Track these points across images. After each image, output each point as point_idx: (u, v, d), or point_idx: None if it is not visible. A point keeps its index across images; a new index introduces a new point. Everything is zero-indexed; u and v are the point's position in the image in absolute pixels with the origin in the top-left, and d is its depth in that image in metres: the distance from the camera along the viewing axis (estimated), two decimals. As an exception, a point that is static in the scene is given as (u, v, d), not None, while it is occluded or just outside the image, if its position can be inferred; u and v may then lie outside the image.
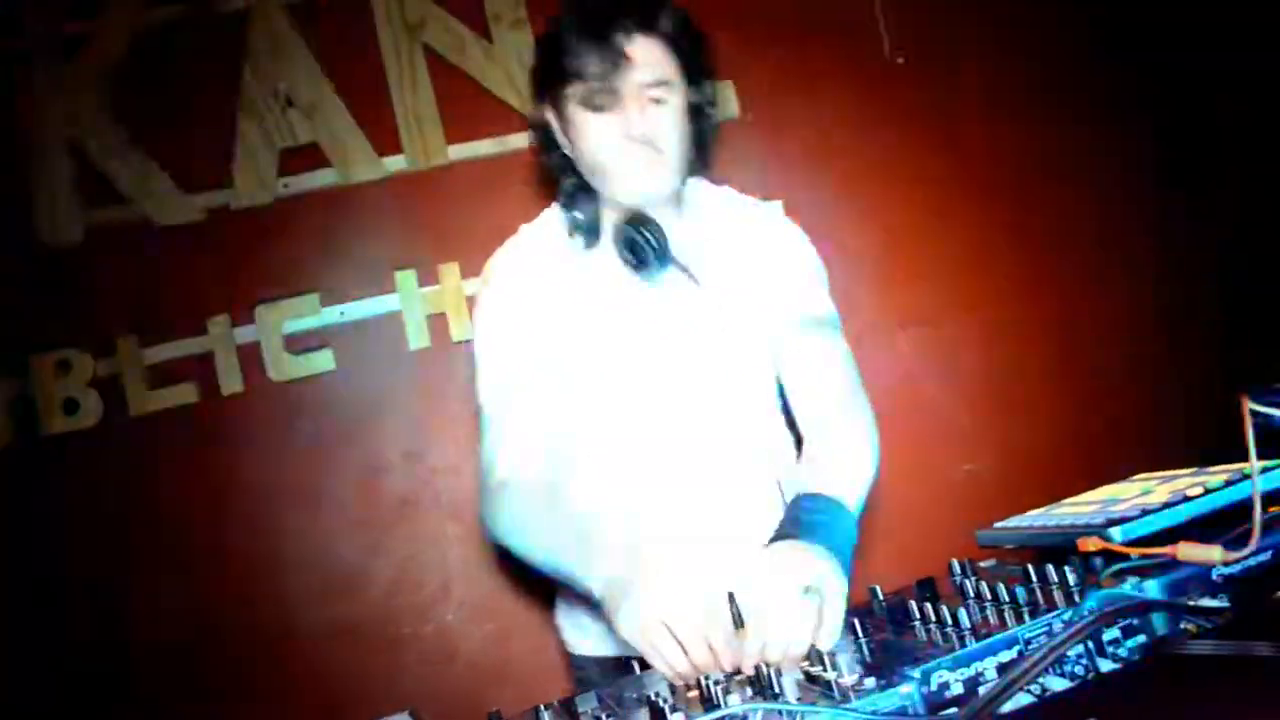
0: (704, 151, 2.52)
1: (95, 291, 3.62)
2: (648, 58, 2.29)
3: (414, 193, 3.78)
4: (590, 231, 2.47)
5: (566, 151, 2.45)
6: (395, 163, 3.77)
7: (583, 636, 2.63)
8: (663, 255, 2.36)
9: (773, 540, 1.96)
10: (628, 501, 2.46)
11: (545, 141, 2.50)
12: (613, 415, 2.47)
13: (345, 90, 3.76)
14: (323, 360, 3.68)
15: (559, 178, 2.52)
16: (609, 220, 2.45)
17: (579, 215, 2.48)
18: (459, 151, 3.78)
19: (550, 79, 2.38)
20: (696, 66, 2.41)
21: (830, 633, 1.72)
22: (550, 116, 2.44)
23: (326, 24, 3.79)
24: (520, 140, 3.72)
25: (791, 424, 2.52)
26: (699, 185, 2.58)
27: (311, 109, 3.74)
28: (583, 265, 2.49)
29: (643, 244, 2.34)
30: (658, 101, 2.31)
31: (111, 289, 3.62)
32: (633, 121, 2.28)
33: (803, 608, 1.73)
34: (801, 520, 2.01)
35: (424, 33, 3.80)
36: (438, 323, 3.69)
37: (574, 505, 2.48)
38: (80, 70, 3.67)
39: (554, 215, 2.58)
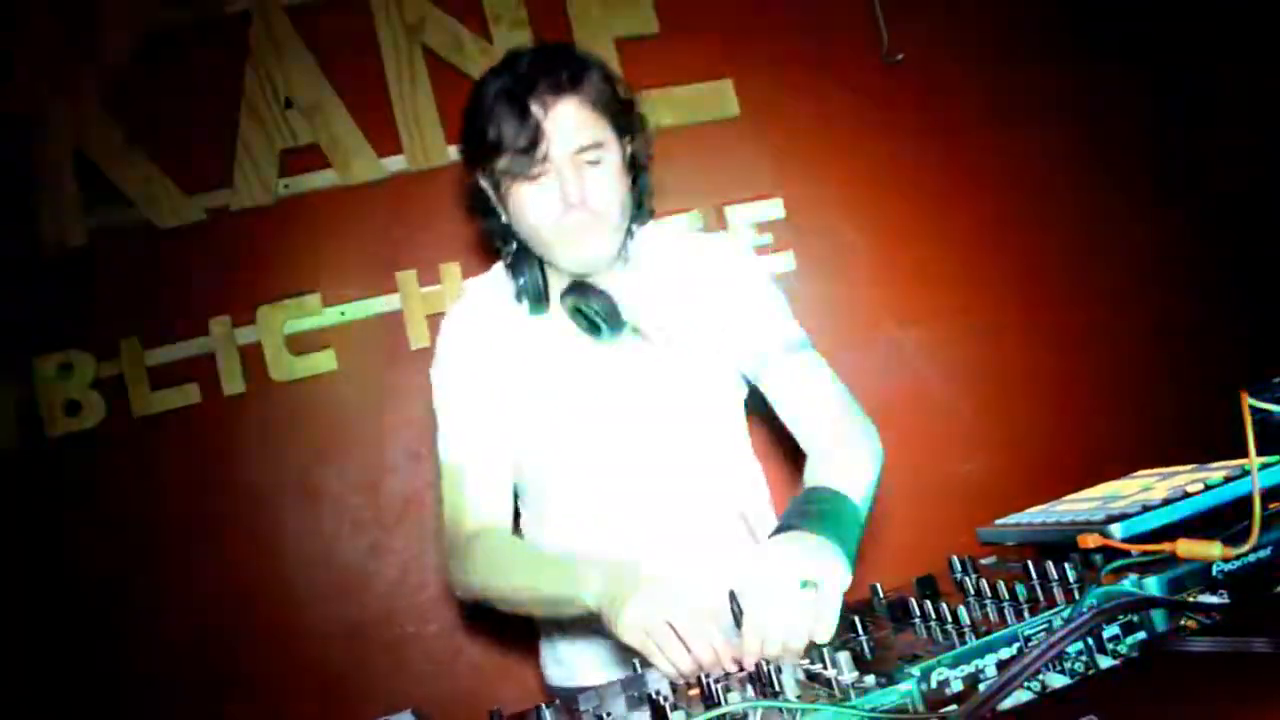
0: (644, 202, 2.50)
1: (98, 293, 3.62)
2: (578, 121, 2.25)
3: (414, 193, 3.78)
4: (537, 298, 2.45)
5: (504, 220, 2.41)
6: (395, 163, 3.78)
7: (560, 670, 2.63)
8: (613, 324, 2.35)
9: (776, 531, 1.95)
10: (594, 548, 2.45)
11: (483, 209, 2.47)
12: (574, 465, 2.48)
13: (345, 91, 3.76)
14: (324, 360, 3.68)
15: (500, 245, 2.50)
16: (555, 283, 2.44)
17: (525, 283, 2.45)
18: (458, 152, 3.77)
19: (479, 151, 2.33)
20: (627, 119, 2.38)
21: (827, 626, 1.71)
22: (485, 184, 2.41)
23: (326, 25, 3.79)
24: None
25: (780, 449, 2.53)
26: (647, 231, 2.54)
27: (312, 110, 3.74)
28: (537, 323, 2.48)
29: (591, 316, 2.34)
30: (592, 163, 2.27)
31: (114, 291, 3.63)
32: (569, 190, 2.24)
33: (800, 601, 1.73)
34: (805, 510, 1.99)
35: (423, 33, 3.80)
36: (439, 322, 3.66)
37: (547, 545, 2.52)
38: (82, 73, 3.67)
39: (503, 270, 2.56)
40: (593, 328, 2.36)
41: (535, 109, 2.21)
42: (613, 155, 2.32)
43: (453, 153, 3.76)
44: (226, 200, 3.70)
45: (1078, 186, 4.14)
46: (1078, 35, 4.21)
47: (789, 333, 2.47)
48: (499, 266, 2.55)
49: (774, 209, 3.86)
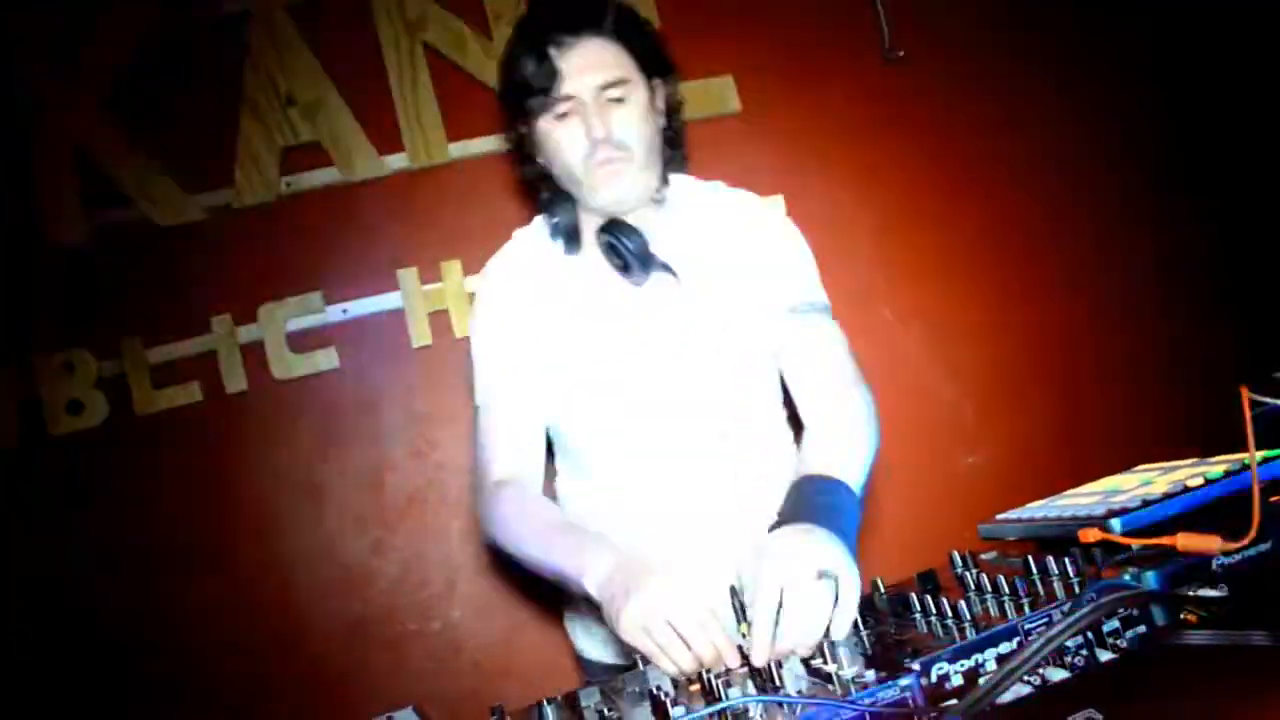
0: (678, 146, 2.52)
1: (100, 292, 3.63)
2: (599, 59, 2.29)
3: (415, 190, 3.78)
4: (571, 238, 2.49)
5: (541, 162, 2.45)
6: (397, 160, 3.78)
7: (592, 641, 2.64)
8: (644, 259, 2.36)
9: (778, 524, 1.92)
10: (623, 498, 2.48)
11: (520, 154, 2.51)
12: (606, 413, 2.47)
13: (346, 89, 3.77)
14: (326, 358, 3.69)
15: (537, 188, 2.53)
16: (590, 225, 2.46)
17: (560, 222, 2.49)
18: (460, 149, 3.79)
19: (512, 95, 2.37)
20: (654, 62, 2.40)
21: (845, 620, 1.68)
22: (521, 130, 2.44)
23: (327, 23, 3.80)
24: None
25: (792, 410, 2.52)
26: (683, 181, 2.56)
27: (313, 108, 3.74)
28: (572, 267, 2.50)
29: (622, 250, 2.35)
30: (617, 100, 2.30)
31: (116, 289, 3.63)
32: (593, 125, 2.27)
33: (818, 593, 1.70)
34: (808, 503, 1.97)
35: (424, 31, 3.80)
36: (440, 320, 3.69)
37: (567, 505, 2.53)
38: (83, 72, 3.67)
39: (542, 218, 2.59)
40: (623, 264, 2.37)
41: (554, 49, 2.26)
42: (638, 94, 2.34)
43: (454, 150, 3.78)
44: (228, 198, 3.71)
45: (1079, 183, 4.14)
46: (1079, 33, 4.21)
47: (809, 295, 2.46)
48: (540, 216, 2.58)
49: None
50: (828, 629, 1.66)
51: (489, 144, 3.77)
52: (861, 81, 4.05)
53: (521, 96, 2.33)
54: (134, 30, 3.70)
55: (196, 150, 3.72)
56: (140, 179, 3.66)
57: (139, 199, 3.66)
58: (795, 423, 2.50)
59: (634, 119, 2.32)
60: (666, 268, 2.39)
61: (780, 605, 1.68)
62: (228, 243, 3.71)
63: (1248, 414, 1.55)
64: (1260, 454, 1.57)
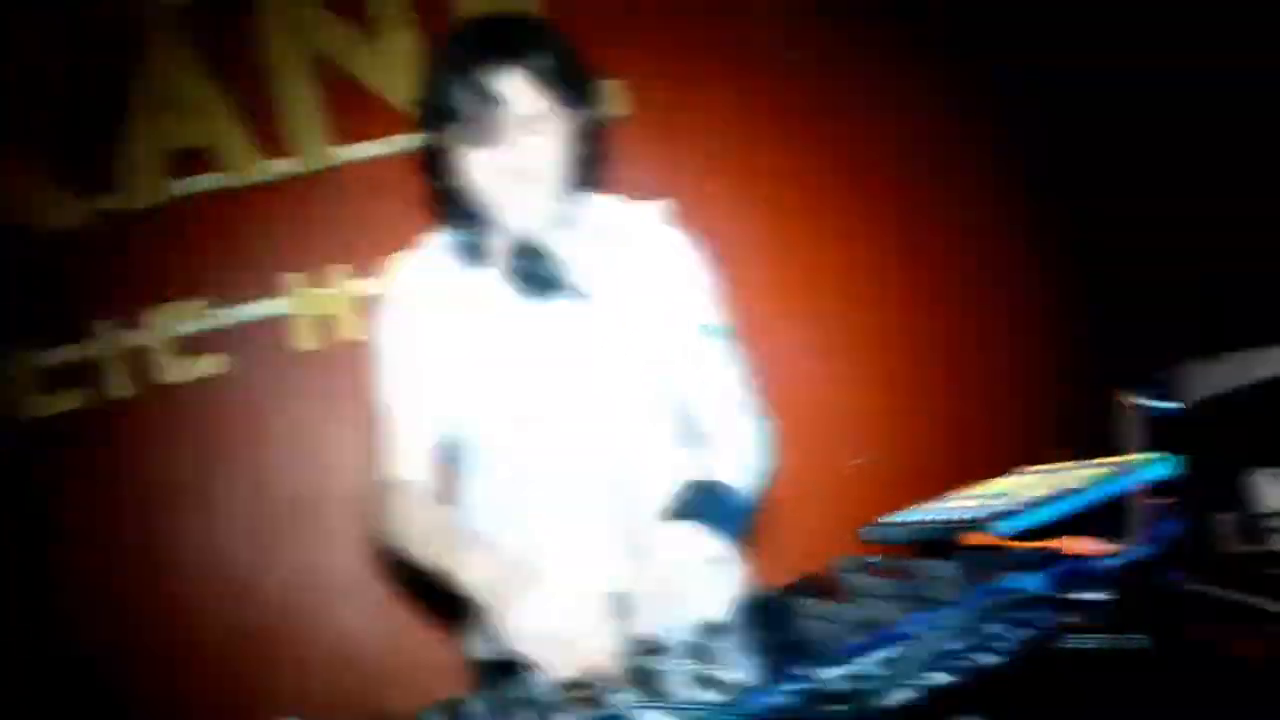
0: (595, 170, 2.52)
1: (-20, 297, 3.57)
2: (520, 91, 2.27)
3: (303, 195, 3.76)
4: (477, 254, 2.46)
5: (451, 180, 2.42)
6: (284, 165, 3.76)
7: (484, 642, 2.63)
8: (553, 283, 2.37)
9: (663, 517, 1.98)
10: (517, 510, 2.47)
11: (432, 167, 2.48)
12: (502, 417, 2.47)
13: (232, 92, 3.74)
14: (212, 364, 3.65)
15: (446, 202, 2.51)
16: (499, 242, 2.44)
17: (466, 239, 2.47)
18: (347, 153, 3.77)
19: (428, 113, 2.36)
20: (577, 90, 2.39)
21: (722, 603, 1.72)
22: (433, 146, 2.42)
23: (215, 27, 3.76)
24: (408, 141, 3.72)
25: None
26: (594, 198, 2.55)
27: (200, 112, 3.71)
28: (478, 279, 2.48)
29: (531, 274, 2.36)
30: (536, 133, 2.29)
31: (-2, 295, 3.58)
32: (510, 157, 2.27)
33: (702, 578, 1.75)
34: (687, 500, 2.03)
35: (311, 34, 3.78)
36: (328, 325, 3.67)
37: (461, 512, 2.51)
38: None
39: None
40: (531, 287, 2.38)
41: (481, 78, 2.24)
42: (557, 125, 2.33)
43: (342, 154, 3.75)
44: (113, 202, 3.67)
45: (964, 190, 4.18)
46: (952, 42, 4.25)
47: (705, 317, 2.48)
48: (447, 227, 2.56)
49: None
50: (708, 610, 1.69)
51: (376, 148, 3.77)
52: (752, 86, 4.06)
53: (438, 120, 2.32)
54: (14, 35, 3.65)
55: (83, 154, 3.67)
56: (23, 182, 3.61)
57: (22, 203, 3.61)
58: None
59: (548, 151, 2.32)
60: (576, 290, 2.40)
61: (667, 593, 1.70)
62: (113, 247, 3.66)
63: (1129, 416, 1.56)
64: (1142, 456, 1.59)
